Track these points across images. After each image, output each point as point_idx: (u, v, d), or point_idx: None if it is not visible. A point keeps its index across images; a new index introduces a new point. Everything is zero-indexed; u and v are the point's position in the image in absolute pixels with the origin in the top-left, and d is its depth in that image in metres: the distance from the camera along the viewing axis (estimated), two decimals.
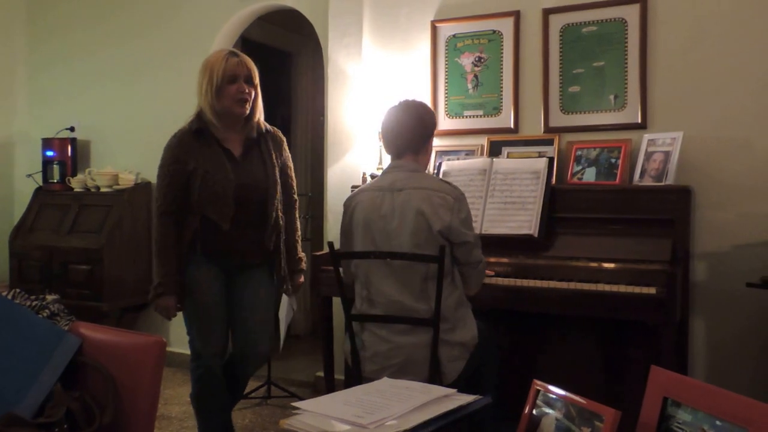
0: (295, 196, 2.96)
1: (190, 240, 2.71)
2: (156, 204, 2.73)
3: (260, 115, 2.81)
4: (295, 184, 2.96)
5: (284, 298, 3.10)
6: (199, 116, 2.75)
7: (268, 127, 2.86)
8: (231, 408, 2.93)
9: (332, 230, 3.94)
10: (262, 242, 2.78)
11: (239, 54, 2.75)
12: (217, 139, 2.73)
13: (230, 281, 2.81)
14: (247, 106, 2.72)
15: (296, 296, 3.02)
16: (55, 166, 4.86)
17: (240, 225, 2.71)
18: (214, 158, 2.69)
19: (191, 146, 2.70)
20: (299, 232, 2.98)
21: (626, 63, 3.38)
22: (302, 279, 2.98)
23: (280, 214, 2.85)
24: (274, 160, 2.82)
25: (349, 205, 2.55)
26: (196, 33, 4.62)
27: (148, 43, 4.82)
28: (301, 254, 2.97)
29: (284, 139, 2.93)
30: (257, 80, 2.76)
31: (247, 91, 2.70)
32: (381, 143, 3.55)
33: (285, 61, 5.70)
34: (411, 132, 2.50)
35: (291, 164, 2.95)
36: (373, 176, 3.61)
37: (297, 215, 2.97)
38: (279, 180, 2.82)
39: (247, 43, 5.06)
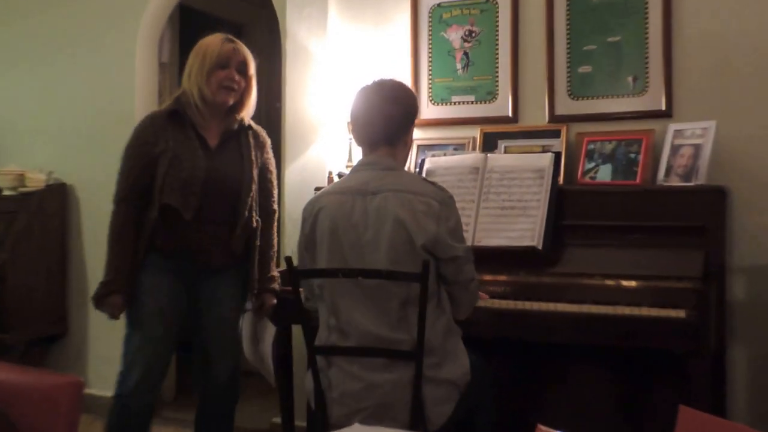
0: (275, 206, 3.17)
1: (148, 235, 2.88)
2: (115, 190, 2.93)
3: (248, 112, 3.05)
4: (276, 193, 3.17)
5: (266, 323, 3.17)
6: (179, 99, 2.98)
7: (254, 124, 3.10)
8: None
9: (291, 242, 3.93)
10: (229, 243, 2.97)
11: (236, 41, 3.02)
12: (193, 124, 2.94)
13: (192, 293, 2.98)
14: (232, 96, 2.96)
15: (266, 320, 3.14)
16: None
17: (205, 220, 2.90)
18: (187, 143, 2.91)
19: (163, 128, 2.92)
20: (276, 248, 3.18)
21: (647, 37, 3.41)
22: (274, 300, 3.13)
23: (255, 215, 3.04)
24: (253, 157, 3.03)
25: (311, 211, 2.54)
26: (122, 1, 4.59)
27: (64, 14, 4.78)
28: (276, 273, 3.15)
29: (269, 140, 3.16)
30: (252, 72, 3.02)
31: (236, 79, 2.94)
32: (351, 135, 3.56)
33: (234, 34, 5.67)
34: (386, 118, 2.49)
35: (274, 170, 3.16)
36: (341, 175, 3.62)
37: (275, 228, 3.17)
38: (256, 179, 3.03)
39: (186, 12, 5.06)
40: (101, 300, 2.87)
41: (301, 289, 2.57)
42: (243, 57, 2.99)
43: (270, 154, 3.16)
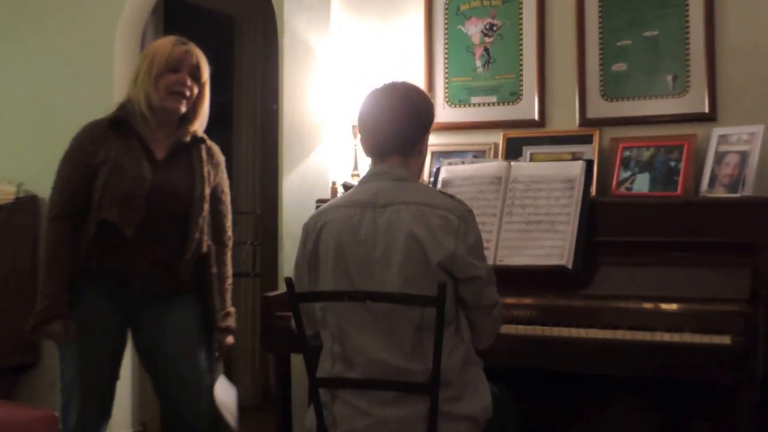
0: (230, 233, 3.16)
1: (84, 255, 2.87)
2: (48, 205, 2.93)
3: (201, 123, 3.05)
4: (230, 217, 3.15)
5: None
6: (123, 107, 2.97)
7: (208, 140, 3.09)
8: None
9: (290, 262, 3.92)
10: (177, 270, 2.96)
11: (189, 43, 3.01)
12: (138, 134, 2.94)
13: (133, 324, 2.98)
14: (184, 103, 2.94)
15: (221, 363, 3.15)
16: None
17: (148, 239, 2.88)
18: (130, 153, 2.90)
19: (104, 136, 2.92)
20: (230, 280, 3.16)
21: (688, 32, 3.46)
22: (231, 339, 3.15)
23: (206, 239, 3.02)
24: (206, 174, 3.02)
25: (313, 226, 2.55)
26: None
27: (35, 3, 4.79)
28: (231, 309, 3.14)
29: (223, 159, 3.15)
30: (206, 78, 3.01)
31: (188, 84, 2.93)
32: (358, 141, 3.60)
33: (225, 28, 5.74)
34: (399, 125, 2.50)
35: (228, 190, 3.15)
36: (347, 187, 3.65)
37: (230, 257, 3.15)
38: (208, 199, 3.04)
39: (173, 3, 5.08)
40: (39, 329, 2.84)
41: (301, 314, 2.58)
42: (196, 60, 2.99)
43: (224, 174, 3.16)
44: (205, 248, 3.03)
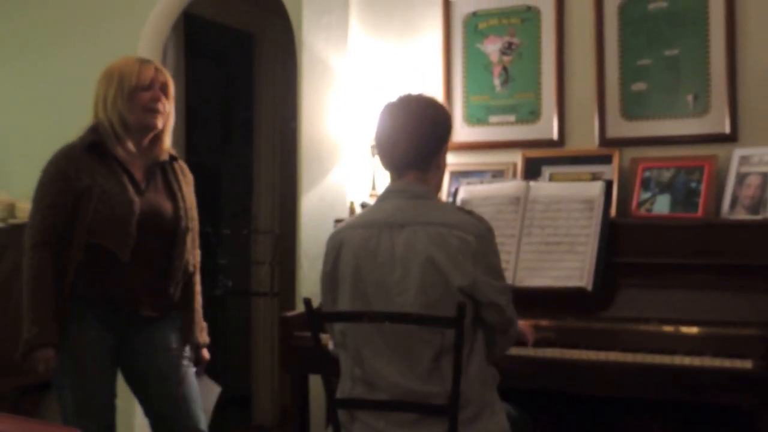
0: (198, 249, 3.17)
1: (71, 281, 2.87)
2: (29, 232, 2.91)
3: (169, 138, 3.09)
4: (197, 237, 3.17)
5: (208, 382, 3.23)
6: (95, 130, 2.98)
7: (177, 156, 3.14)
8: None
9: (308, 281, 3.97)
10: (166, 290, 2.99)
11: (152, 61, 3.11)
12: (116, 157, 2.96)
13: (123, 347, 2.98)
14: (160, 119, 2.98)
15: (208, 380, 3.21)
16: None
17: (138, 262, 2.91)
18: (114, 177, 2.92)
19: (84, 161, 2.92)
20: (200, 296, 3.19)
21: (708, 51, 3.47)
22: (207, 354, 3.19)
23: (191, 259, 3.08)
24: (184, 193, 3.07)
25: (333, 246, 2.56)
26: (124, 8, 4.65)
27: (57, 19, 4.83)
28: (204, 323, 3.18)
29: (192, 178, 3.18)
30: (172, 94, 3.05)
31: (163, 100, 2.98)
32: (376, 160, 3.62)
33: (244, 46, 5.78)
34: (415, 140, 2.49)
35: (195, 207, 3.16)
36: (365, 206, 3.66)
37: (198, 274, 3.17)
38: (192, 217, 3.09)
39: (192, 20, 5.13)
40: (28, 356, 2.83)
41: (325, 336, 2.61)
42: (165, 78, 3.02)
43: (193, 192, 3.17)
44: (191, 269, 3.08)
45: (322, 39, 4.10)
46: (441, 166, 2.59)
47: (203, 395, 3.12)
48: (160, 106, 2.97)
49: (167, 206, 3.00)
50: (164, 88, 3.01)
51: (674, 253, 3.14)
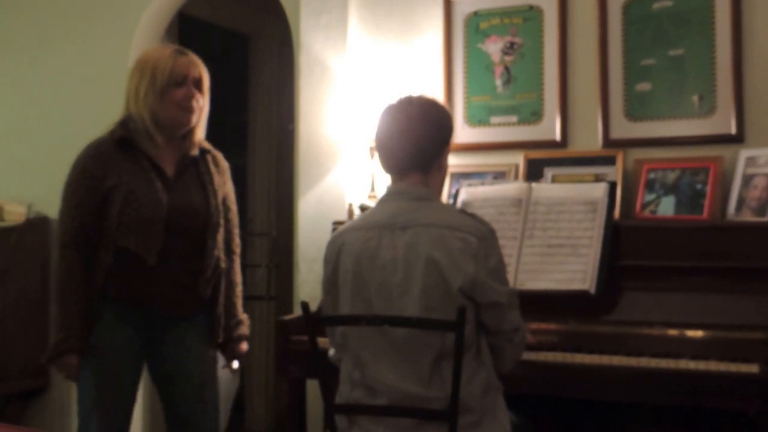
0: (238, 240, 3.16)
1: (101, 284, 2.86)
2: (59, 231, 2.91)
3: (203, 132, 3.03)
4: (237, 224, 3.16)
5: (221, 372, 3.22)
6: (125, 124, 2.94)
7: (211, 148, 3.09)
8: None
9: (306, 285, 3.97)
10: (197, 288, 2.96)
11: (188, 53, 2.99)
12: (146, 153, 2.92)
13: (152, 347, 2.97)
14: (194, 116, 2.94)
15: (239, 369, 3.19)
16: None
17: (169, 262, 2.89)
18: (142, 175, 2.89)
19: (111, 159, 2.89)
20: (240, 287, 3.17)
21: (714, 51, 3.47)
22: (245, 346, 3.14)
23: (222, 255, 3.04)
24: (216, 187, 3.03)
25: (333, 249, 2.56)
26: (117, 8, 4.66)
27: (49, 19, 4.83)
28: (243, 315, 3.15)
29: (228, 166, 3.15)
30: (207, 87, 2.99)
31: (197, 97, 2.93)
32: (375, 162, 3.62)
33: (240, 47, 5.79)
34: (416, 142, 2.50)
35: (234, 198, 3.15)
36: (364, 209, 3.67)
37: (239, 265, 3.16)
38: (223, 213, 3.03)
39: (187, 21, 5.14)
40: (54, 361, 2.86)
41: (322, 339, 2.59)
42: (199, 73, 2.97)
43: (230, 182, 3.16)
44: (222, 265, 3.05)
45: (320, 39, 4.11)
46: (442, 168, 2.60)
47: (227, 389, 3.12)
48: (193, 104, 2.94)
49: (198, 203, 2.97)
50: (198, 83, 2.96)
51: (679, 256, 3.14)
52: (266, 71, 5.79)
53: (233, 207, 3.14)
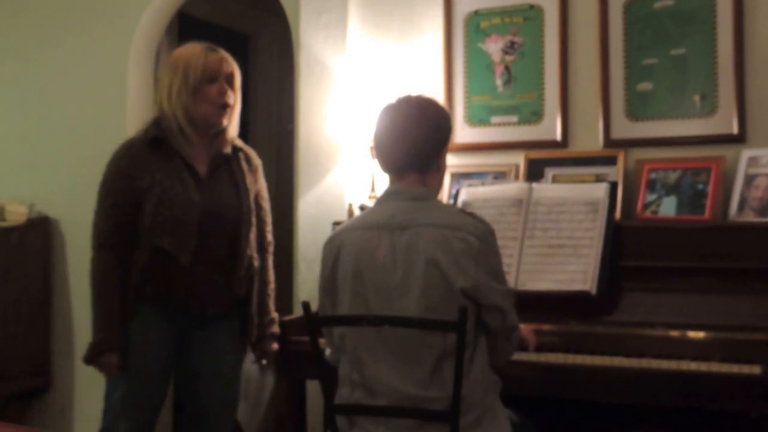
0: (270, 237, 3.20)
1: (136, 283, 2.91)
2: (94, 232, 2.96)
3: (235, 129, 3.08)
4: (269, 221, 3.20)
5: (247, 369, 3.25)
6: (158, 123, 2.98)
7: (243, 145, 3.13)
8: None
9: (304, 285, 3.98)
10: (231, 287, 3.01)
11: (219, 49, 3.05)
12: (179, 153, 2.95)
13: (184, 344, 3.01)
14: (227, 115, 2.99)
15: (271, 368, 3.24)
16: None
17: (203, 261, 2.93)
18: (175, 174, 2.92)
19: (145, 158, 2.95)
20: (273, 285, 3.21)
21: (716, 50, 3.47)
22: (276, 345, 3.19)
23: (254, 254, 3.08)
24: (248, 185, 3.07)
25: (331, 249, 2.56)
26: (117, 8, 4.65)
27: (49, 19, 4.83)
28: (275, 314, 3.19)
29: (261, 163, 3.19)
30: (239, 84, 3.05)
31: (229, 94, 2.97)
32: (375, 162, 3.61)
33: (239, 46, 5.77)
34: (415, 142, 2.50)
35: (266, 195, 3.20)
36: (364, 208, 3.67)
37: (271, 262, 3.20)
38: (255, 211, 3.08)
39: (186, 20, 5.13)
40: (93, 360, 2.90)
41: (322, 340, 2.59)
42: (231, 68, 3.03)
43: (263, 179, 3.20)
44: (255, 263, 3.09)
45: (320, 39, 4.11)
46: (441, 168, 2.61)
47: (259, 388, 3.14)
48: (227, 100, 2.98)
49: (230, 201, 3.02)
50: (230, 79, 3.01)
51: (680, 256, 3.13)
52: (266, 71, 5.79)
53: (265, 205, 3.18)
